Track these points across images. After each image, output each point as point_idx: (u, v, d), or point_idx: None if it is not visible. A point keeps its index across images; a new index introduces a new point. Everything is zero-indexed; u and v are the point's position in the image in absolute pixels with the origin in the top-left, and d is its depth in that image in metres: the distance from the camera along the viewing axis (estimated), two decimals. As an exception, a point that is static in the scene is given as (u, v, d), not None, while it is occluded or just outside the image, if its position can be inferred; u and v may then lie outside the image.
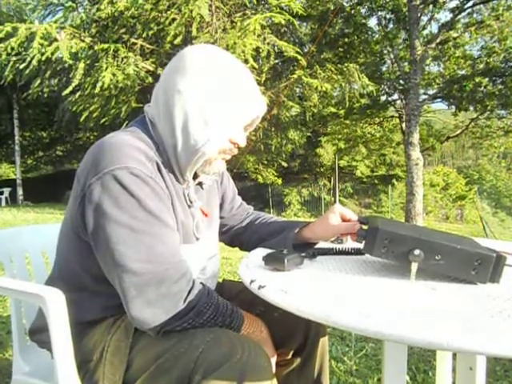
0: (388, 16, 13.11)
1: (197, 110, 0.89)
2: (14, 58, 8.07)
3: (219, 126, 0.90)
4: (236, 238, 1.26)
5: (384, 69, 14.44)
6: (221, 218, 1.22)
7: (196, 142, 0.89)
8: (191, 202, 1.00)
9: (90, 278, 0.93)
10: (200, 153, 0.90)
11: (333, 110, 15.46)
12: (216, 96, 0.90)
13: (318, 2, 12.79)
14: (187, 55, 0.94)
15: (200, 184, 1.06)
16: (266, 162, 17.11)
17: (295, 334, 1.08)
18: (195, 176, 1.02)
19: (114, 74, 7.93)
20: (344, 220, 1.07)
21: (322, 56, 12.27)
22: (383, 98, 14.61)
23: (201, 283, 0.90)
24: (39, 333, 0.99)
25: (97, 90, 7.93)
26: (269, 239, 1.14)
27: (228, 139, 0.94)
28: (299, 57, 8.63)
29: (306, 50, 11.22)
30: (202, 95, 0.90)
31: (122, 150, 0.85)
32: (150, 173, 0.85)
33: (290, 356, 1.09)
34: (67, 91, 8.18)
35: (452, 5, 12.11)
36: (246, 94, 0.94)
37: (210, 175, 1.03)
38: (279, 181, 19.18)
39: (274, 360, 0.97)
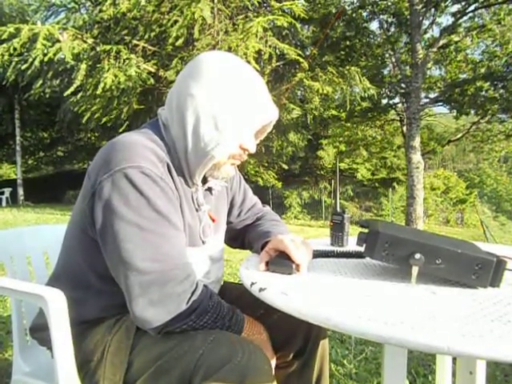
0: (390, 20, 13.12)
1: (208, 114, 0.90)
2: (16, 59, 8.09)
3: (230, 130, 0.91)
4: (237, 239, 1.26)
5: (385, 72, 14.45)
6: (229, 223, 1.22)
7: (206, 144, 0.90)
8: (199, 206, 1.01)
9: (94, 275, 0.93)
10: (209, 156, 0.91)
11: (334, 112, 15.46)
12: (228, 101, 0.91)
13: (319, 5, 12.81)
14: (202, 60, 0.95)
15: (209, 189, 1.07)
16: (266, 165, 17.13)
17: (296, 337, 1.08)
18: (205, 181, 1.03)
19: (115, 76, 7.94)
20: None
21: (323, 59, 12.27)
22: (384, 101, 14.62)
23: (204, 285, 0.91)
24: (40, 331, 0.99)
25: (98, 91, 7.93)
26: (252, 245, 1.15)
27: (238, 145, 0.95)
28: (301, 59, 8.64)
29: (307, 53, 11.21)
30: (214, 100, 0.90)
31: (134, 149, 0.86)
32: (160, 173, 0.86)
33: (290, 358, 1.09)
34: (69, 92, 8.19)
35: (454, 9, 12.15)
36: (258, 100, 0.95)
37: (218, 180, 1.03)
38: (279, 184, 19.19)
39: (273, 363, 0.97)
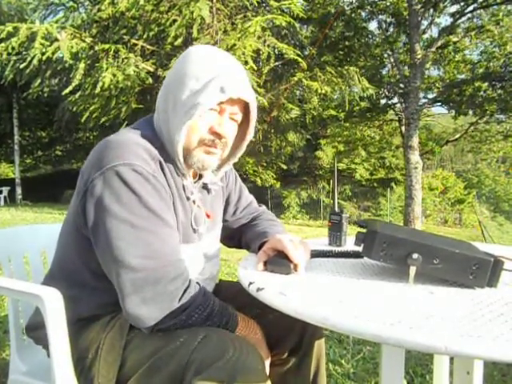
0: (388, 20, 13.13)
1: (167, 99, 0.93)
2: (14, 58, 8.08)
3: (184, 110, 0.90)
4: (234, 238, 1.26)
5: (384, 72, 14.46)
6: (225, 221, 1.22)
7: (169, 129, 0.92)
8: (192, 194, 1.00)
9: (89, 273, 0.93)
10: (175, 140, 0.91)
11: (332, 112, 15.49)
12: (182, 82, 0.91)
13: (318, 5, 12.80)
14: (187, 51, 0.98)
15: (206, 188, 1.07)
16: (265, 164, 17.11)
17: (290, 334, 1.08)
18: (200, 177, 1.03)
19: (114, 75, 7.93)
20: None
21: (322, 59, 12.27)
22: (383, 101, 14.63)
23: (197, 283, 0.91)
24: (36, 329, 0.99)
25: (97, 91, 7.93)
26: (250, 245, 1.15)
27: (207, 128, 0.92)
28: (299, 59, 8.64)
29: (306, 53, 11.22)
30: (174, 82, 0.93)
31: (126, 147, 0.86)
32: (152, 171, 0.86)
33: (285, 355, 1.09)
34: (67, 91, 8.19)
35: (452, 9, 12.16)
36: (216, 80, 0.90)
37: (205, 172, 1.01)
38: (278, 184, 19.19)
39: (268, 362, 0.97)
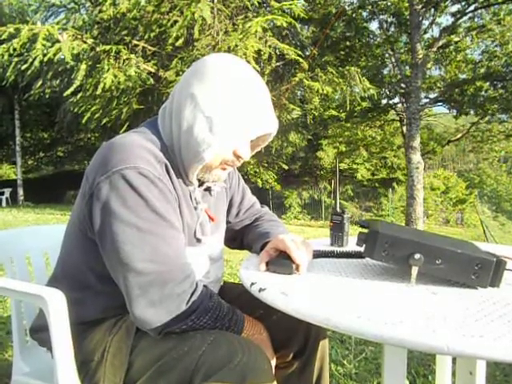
0: (389, 20, 13.13)
1: (205, 115, 0.89)
2: (16, 59, 8.09)
3: (223, 135, 0.90)
4: (236, 239, 1.26)
5: (385, 72, 14.43)
6: (228, 223, 1.22)
7: (198, 145, 0.90)
8: (197, 204, 1.00)
9: (94, 276, 0.93)
10: (199, 156, 0.90)
11: (334, 112, 15.46)
12: (227, 106, 0.89)
13: (319, 5, 12.81)
14: (209, 61, 0.94)
15: (208, 190, 1.07)
16: (266, 165, 17.10)
17: (295, 337, 1.08)
18: (203, 181, 1.03)
19: (115, 76, 7.93)
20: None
21: (323, 59, 12.26)
22: (384, 101, 14.61)
23: (204, 286, 0.91)
24: (40, 331, 0.99)
25: (98, 92, 7.93)
26: (251, 246, 1.15)
27: (232, 151, 0.94)
28: (301, 60, 8.63)
29: (307, 53, 11.21)
30: (214, 102, 0.89)
31: (131, 150, 0.86)
32: (158, 174, 0.86)
33: (289, 358, 1.09)
34: (68, 92, 8.19)
35: (454, 9, 12.16)
36: (258, 111, 0.93)
37: (209, 182, 1.03)
38: (278, 186, 19.17)
39: (273, 363, 0.97)
